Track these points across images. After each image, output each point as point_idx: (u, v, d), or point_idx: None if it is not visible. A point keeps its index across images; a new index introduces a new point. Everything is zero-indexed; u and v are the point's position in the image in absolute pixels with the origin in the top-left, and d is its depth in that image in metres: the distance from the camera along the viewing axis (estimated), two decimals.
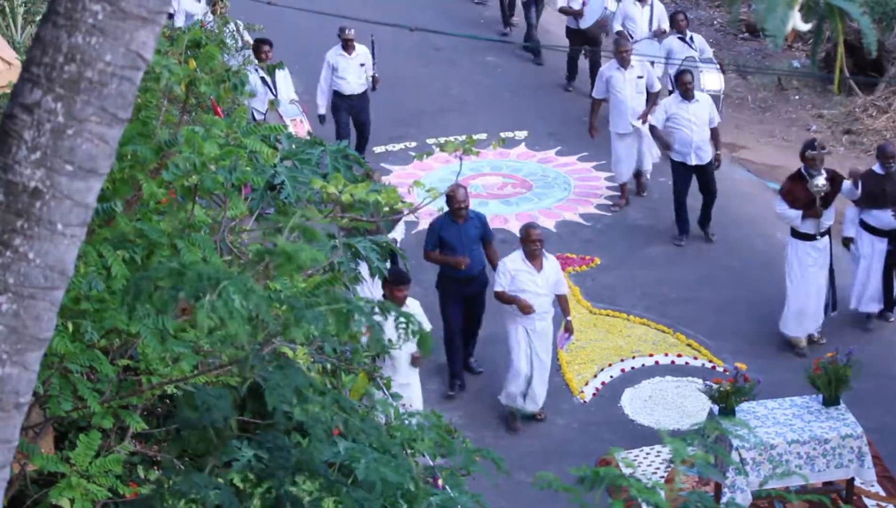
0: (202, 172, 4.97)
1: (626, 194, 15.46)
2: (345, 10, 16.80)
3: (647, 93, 15.15)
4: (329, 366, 5.13)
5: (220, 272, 4.01)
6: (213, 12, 15.88)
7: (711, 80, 15.85)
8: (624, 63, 14.98)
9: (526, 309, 11.08)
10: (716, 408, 10.41)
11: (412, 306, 10.45)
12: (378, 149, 16.76)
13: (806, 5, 15.74)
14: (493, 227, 14.86)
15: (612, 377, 12.25)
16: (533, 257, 11.21)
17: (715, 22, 21.39)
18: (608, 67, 15.23)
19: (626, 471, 6.53)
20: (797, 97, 18.37)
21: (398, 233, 12.45)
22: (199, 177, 4.98)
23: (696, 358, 12.49)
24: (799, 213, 12.10)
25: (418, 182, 5.33)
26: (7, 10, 14.27)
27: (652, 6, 16.99)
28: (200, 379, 4.82)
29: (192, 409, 4.54)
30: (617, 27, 16.93)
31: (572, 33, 18.04)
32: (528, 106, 18.23)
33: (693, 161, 14.12)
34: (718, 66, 16.39)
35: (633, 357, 12.52)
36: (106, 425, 4.95)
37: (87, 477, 4.90)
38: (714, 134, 14.23)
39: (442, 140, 5.38)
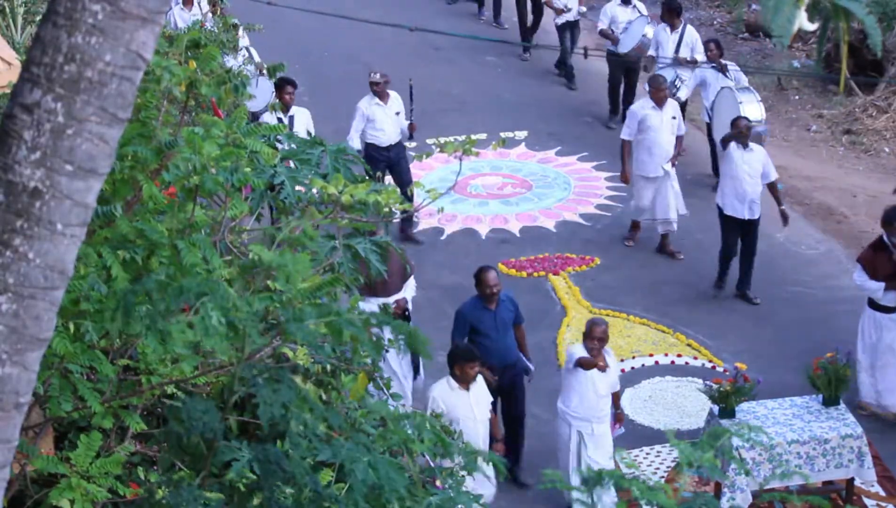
0: (202, 173, 4.97)
1: (639, 229, 14.58)
2: (345, 10, 16.82)
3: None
4: (329, 366, 5.12)
5: (204, 285, 3.94)
6: (213, 13, 15.88)
7: (752, 110, 14.66)
8: (659, 102, 14.07)
9: (592, 365, 10.08)
10: (716, 408, 10.41)
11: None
12: None
13: (811, 5, 15.63)
14: (493, 227, 14.94)
15: None
16: (594, 355, 10.13)
17: (715, 22, 21.39)
18: (641, 105, 14.27)
19: (627, 471, 6.53)
20: (797, 97, 18.37)
21: (409, 292, 11.48)
22: (199, 178, 4.97)
23: (696, 358, 12.49)
24: (881, 285, 11.30)
25: (418, 183, 5.33)
26: (7, 10, 14.26)
27: (682, 32, 16.13)
28: (201, 380, 4.82)
29: (179, 423, 4.53)
30: (650, 53, 16.38)
31: (611, 58, 17.07)
32: (528, 106, 18.23)
33: (746, 215, 13.05)
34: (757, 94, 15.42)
35: (633, 357, 12.52)
36: (106, 425, 4.95)
37: (87, 478, 4.90)
38: (773, 191, 13.09)
39: (442, 140, 5.37)
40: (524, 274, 14.01)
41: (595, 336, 10.11)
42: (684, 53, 15.97)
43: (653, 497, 4.02)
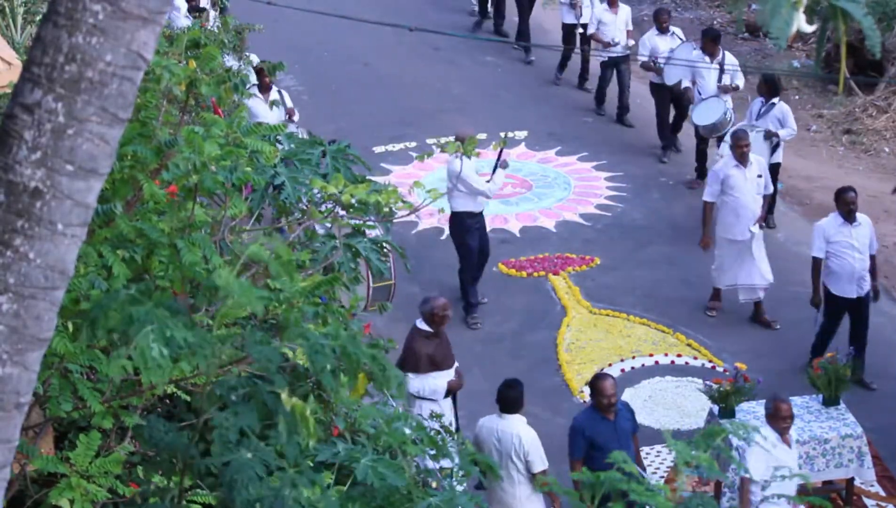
0: (202, 172, 4.97)
1: (720, 299, 13.31)
2: (345, 10, 16.82)
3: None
4: (329, 366, 5.12)
5: (151, 315, 3.89)
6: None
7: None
8: (743, 160, 12.79)
9: None
10: (716, 408, 10.42)
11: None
12: (378, 149, 16.77)
13: (809, 7, 15.59)
14: (493, 227, 14.92)
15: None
16: (784, 436, 9.35)
17: (715, 22, 21.40)
18: (724, 164, 12.98)
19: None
20: (797, 97, 18.37)
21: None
22: (199, 177, 4.98)
23: (696, 358, 12.49)
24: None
25: (419, 183, 5.33)
26: (7, 10, 14.26)
27: (722, 62, 15.22)
28: (200, 380, 4.81)
29: (143, 442, 4.52)
30: (685, 83, 15.44)
31: (656, 89, 16.24)
32: (528, 106, 18.23)
33: (854, 294, 11.88)
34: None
35: (633, 357, 12.52)
36: (106, 425, 4.95)
37: (87, 478, 4.90)
38: (873, 263, 11.94)
39: (442, 140, 5.39)
40: (524, 274, 14.01)
41: (783, 415, 9.25)
42: (725, 82, 15.19)
43: (651, 500, 4.02)
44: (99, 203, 4.77)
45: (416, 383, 10.13)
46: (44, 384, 4.86)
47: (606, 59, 17.02)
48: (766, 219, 13.09)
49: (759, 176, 12.90)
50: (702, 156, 15.52)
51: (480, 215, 13.12)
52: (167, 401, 5.63)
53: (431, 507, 4.58)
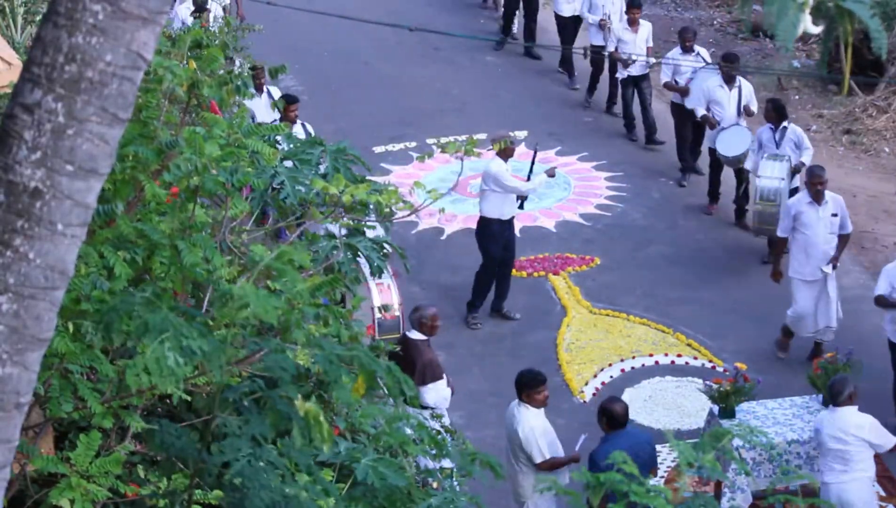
0: (203, 173, 4.96)
1: (790, 338, 12.57)
2: (345, 10, 16.82)
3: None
4: (343, 377, 5.12)
5: (166, 323, 3.89)
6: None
7: (768, 171, 13.33)
8: (818, 198, 12.10)
9: None
10: (716, 408, 10.42)
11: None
12: (378, 149, 16.77)
13: (815, 8, 15.47)
14: None
15: (612, 377, 12.25)
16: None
17: (715, 22, 21.39)
18: (797, 200, 12.33)
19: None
20: (797, 97, 18.37)
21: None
22: (200, 178, 4.97)
23: (696, 358, 12.49)
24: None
25: (419, 183, 5.32)
26: (7, 10, 14.27)
27: (740, 88, 14.68)
28: (201, 380, 4.82)
29: (155, 447, 4.52)
30: (701, 112, 14.79)
31: (677, 110, 15.68)
32: (528, 106, 18.23)
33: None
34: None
35: (633, 357, 12.52)
36: (106, 425, 4.95)
37: (87, 478, 4.90)
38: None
39: (442, 140, 5.38)
40: (524, 274, 14.00)
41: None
42: (748, 108, 14.69)
43: (651, 502, 4.02)
44: (100, 204, 4.78)
45: (431, 395, 10.13)
46: (44, 384, 4.86)
47: (626, 76, 16.63)
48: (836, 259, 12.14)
49: (834, 215, 12.20)
50: (716, 181, 15.05)
51: (509, 223, 12.96)
52: (167, 401, 5.63)
53: (431, 506, 4.58)
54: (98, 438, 4.98)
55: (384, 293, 11.35)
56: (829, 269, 12.11)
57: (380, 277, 11.19)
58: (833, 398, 9.50)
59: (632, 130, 16.98)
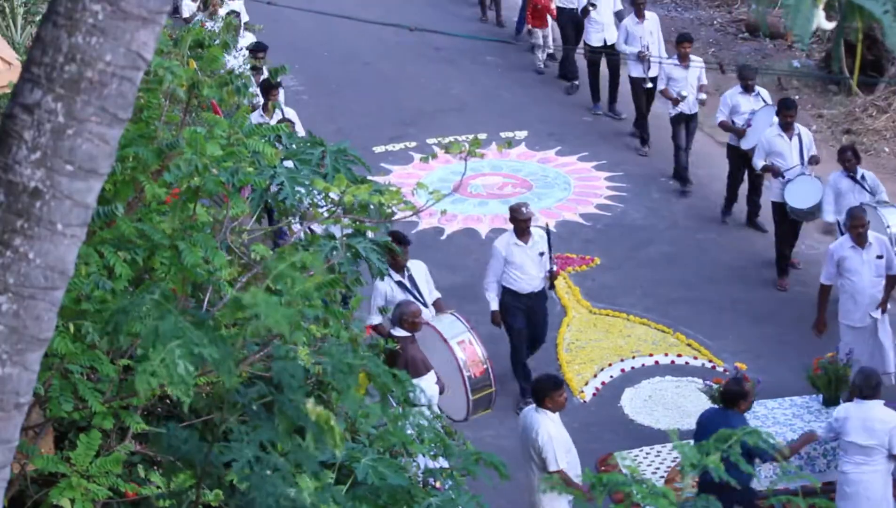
0: (204, 174, 4.96)
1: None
2: (345, 10, 16.82)
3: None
4: (329, 367, 5.12)
5: (177, 330, 3.88)
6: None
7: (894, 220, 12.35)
8: (860, 241, 11.48)
9: None
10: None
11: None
12: (378, 149, 16.77)
13: (828, 4, 15.36)
14: (493, 227, 14.93)
15: (612, 377, 12.25)
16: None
17: (715, 22, 21.39)
18: (839, 245, 11.71)
19: (627, 473, 6.52)
20: (797, 97, 18.36)
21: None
22: (200, 179, 4.97)
23: (696, 358, 12.48)
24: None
25: (422, 183, 5.32)
26: (7, 10, 14.27)
27: (799, 135, 13.58)
28: (201, 380, 4.81)
29: (162, 450, 4.52)
30: (761, 163, 13.70)
31: (733, 152, 14.63)
32: (528, 106, 18.23)
33: None
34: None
35: (633, 357, 12.52)
36: (106, 425, 4.95)
37: (88, 477, 4.90)
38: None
39: (443, 140, 5.38)
40: None
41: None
42: (806, 157, 13.55)
43: (654, 502, 4.01)
44: (100, 204, 4.78)
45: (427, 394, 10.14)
46: (44, 384, 4.86)
47: (678, 113, 15.51)
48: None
49: (880, 257, 11.58)
50: (784, 240, 13.78)
51: (531, 296, 11.73)
52: (167, 401, 5.63)
53: (432, 507, 4.58)
54: (98, 438, 4.98)
55: (467, 350, 10.57)
56: (878, 314, 11.55)
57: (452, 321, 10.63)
58: (861, 391, 9.47)
59: (685, 184, 15.82)
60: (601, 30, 17.35)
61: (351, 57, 19.85)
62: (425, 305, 10.91)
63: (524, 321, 11.76)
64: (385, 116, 17.89)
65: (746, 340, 12.73)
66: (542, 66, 19.35)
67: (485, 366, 10.58)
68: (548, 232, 11.71)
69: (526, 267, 11.60)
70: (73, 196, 3.54)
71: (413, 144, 17.03)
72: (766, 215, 14.29)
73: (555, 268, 11.76)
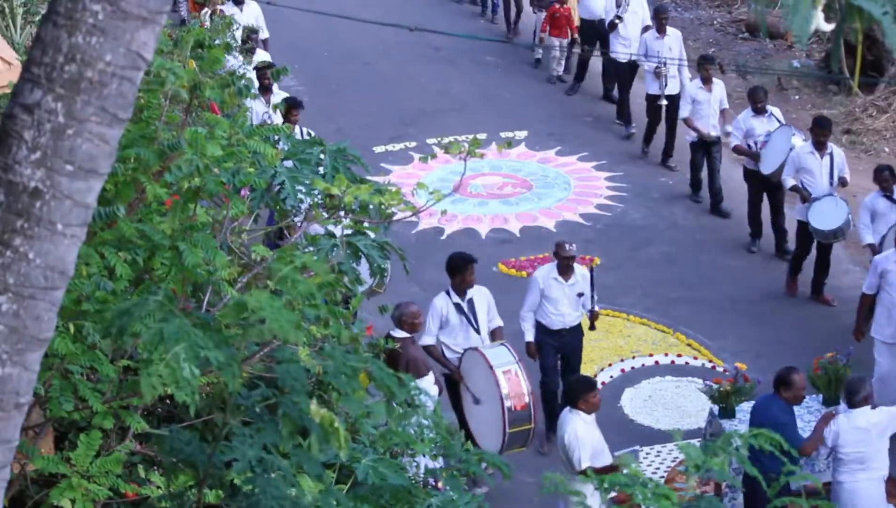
0: (205, 174, 4.96)
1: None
2: (345, 10, 16.82)
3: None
4: (332, 369, 5.12)
5: (181, 333, 3.87)
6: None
7: None
8: None
9: None
10: (716, 408, 10.42)
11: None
12: (378, 149, 16.77)
13: (827, 5, 15.33)
14: (493, 227, 14.93)
15: (612, 377, 12.25)
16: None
17: (715, 22, 21.39)
18: (885, 257, 11.42)
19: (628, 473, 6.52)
20: (797, 97, 18.38)
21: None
22: (201, 179, 4.97)
23: (696, 358, 12.49)
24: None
25: (422, 183, 5.31)
26: (7, 10, 14.26)
27: (831, 155, 13.06)
28: (201, 380, 4.81)
29: (164, 453, 4.52)
30: (790, 182, 13.22)
31: (751, 177, 14.16)
32: (528, 106, 18.23)
33: None
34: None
35: (633, 357, 12.52)
36: (106, 425, 4.95)
37: (88, 478, 4.90)
38: None
39: (443, 140, 5.37)
40: (524, 274, 13.99)
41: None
42: (836, 178, 13.11)
43: (657, 503, 4.01)
44: (101, 205, 4.78)
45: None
46: (44, 384, 4.86)
47: (696, 139, 15.09)
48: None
49: None
50: (801, 258, 13.44)
51: (563, 333, 11.17)
52: (167, 401, 5.63)
53: (433, 506, 4.58)
54: (98, 438, 4.98)
55: (511, 381, 10.15)
56: None
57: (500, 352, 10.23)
58: (848, 399, 9.47)
59: (697, 193, 15.51)
60: (628, 46, 16.62)
61: (351, 57, 19.85)
62: (478, 332, 10.61)
63: (555, 359, 11.23)
64: (385, 116, 17.89)
65: (746, 340, 12.73)
66: (557, 74, 18.95)
67: (527, 401, 10.15)
68: (591, 273, 11.22)
69: (561, 305, 11.07)
70: (73, 196, 3.54)
71: (413, 144, 17.03)
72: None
73: (597, 309, 11.13)
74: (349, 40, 20.12)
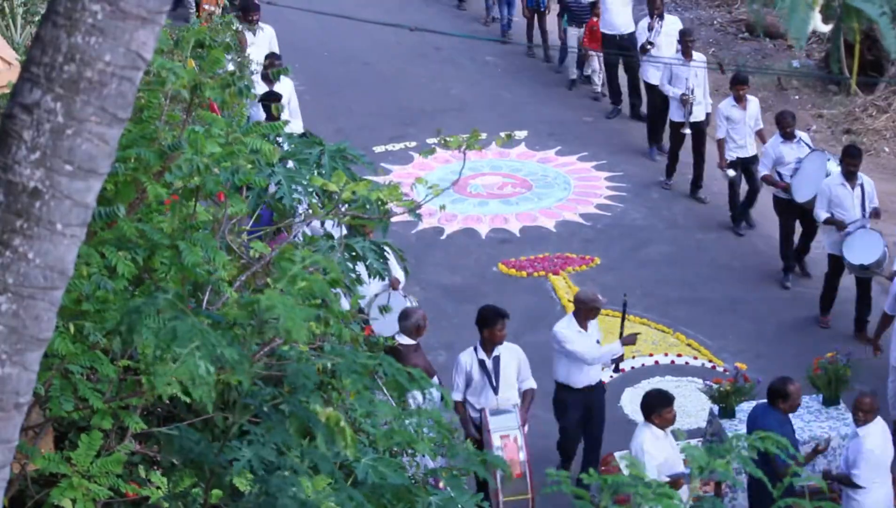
0: (205, 174, 4.96)
1: None
2: (345, 10, 16.83)
3: None
4: (330, 365, 5.12)
5: (195, 332, 3.87)
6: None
7: None
8: None
9: None
10: (716, 408, 10.42)
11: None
12: (378, 149, 16.77)
13: (825, 6, 15.28)
14: (493, 227, 14.93)
15: (612, 377, 12.24)
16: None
17: (715, 22, 21.39)
18: None
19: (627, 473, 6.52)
20: (797, 97, 18.37)
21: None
22: (201, 179, 4.97)
23: (696, 358, 12.49)
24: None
25: (421, 179, 5.30)
26: (7, 10, 14.26)
27: (862, 185, 12.49)
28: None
29: (173, 453, 4.52)
30: (823, 215, 12.56)
31: (782, 206, 13.53)
32: (528, 106, 18.23)
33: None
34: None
35: (633, 357, 12.51)
36: (105, 425, 4.96)
37: (89, 478, 4.90)
38: None
39: (445, 140, 5.36)
40: (524, 274, 14.01)
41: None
42: (868, 209, 12.56)
43: (659, 503, 4.00)
44: (102, 205, 4.78)
45: (418, 398, 10.01)
46: (44, 384, 4.86)
47: (734, 159, 14.33)
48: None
49: None
50: (832, 290, 12.94)
51: (588, 391, 10.53)
52: (167, 401, 5.63)
53: (433, 505, 4.59)
54: (99, 438, 4.98)
55: (508, 448, 9.68)
56: None
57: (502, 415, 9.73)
58: (854, 415, 9.44)
59: (740, 224, 14.74)
60: (660, 67, 15.76)
61: (351, 57, 19.85)
62: (496, 392, 10.05)
63: (578, 421, 10.60)
64: (385, 116, 17.89)
65: (746, 340, 12.73)
66: (599, 90, 18.29)
67: (521, 471, 9.66)
68: (624, 307, 10.78)
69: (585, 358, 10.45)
70: (73, 196, 3.54)
71: (413, 144, 17.03)
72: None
73: (622, 364, 10.51)
74: (349, 40, 20.12)
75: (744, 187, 14.51)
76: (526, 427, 9.89)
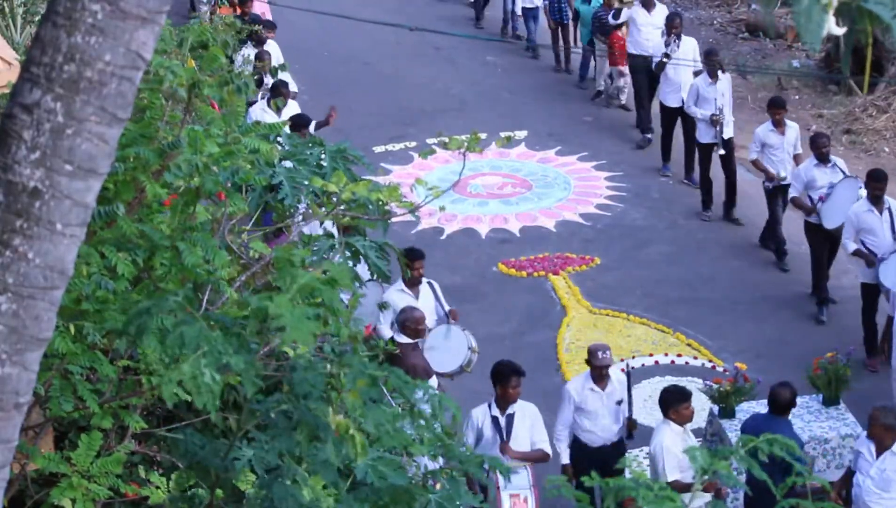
0: (204, 173, 4.96)
1: None
2: (345, 10, 16.83)
3: None
4: (331, 367, 5.12)
5: (202, 338, 3.86)
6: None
7: None
8: None
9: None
10: (716, 408, 10.41)
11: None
12: (378, 149, 16.78)
13: (838, 9, 15.24)
14: (493, 227, 14.93)
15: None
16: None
17: (715, 22, 21.39)
18: None
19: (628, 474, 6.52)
20: (797, 97, 18.38)
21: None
22: (200, 179, 4.97)
23: (696, 358, 12.48)
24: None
25: (420, 180, 5.30)
26: (7, 10, 14.27)
27: (890, 210, 11.97)
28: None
29: (178, 456, 4.52)
30: (852, 246, 12.05)
31: (812, 231, 12.94)
32: (528, 106, 18.23)
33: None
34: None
35: (633, 357, 12.51)
36: (105, 425, 4.96)
37: (89, 477, 4.90)
38: None
39: (445, 139, 5.35)
40: (524, 274, 14.01)
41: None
42: None
43: (660, 505, 4.00)
44: (101, 205, 4.78)
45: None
46: (44, 384, 4.86)
47: (771, 187, 13.82)
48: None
49: None
50: (872, 324, 12.23)
51: (603, 450, 9.92)
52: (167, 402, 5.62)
53: (433, 504, 4.58)
54: (99, 438, 4.99)
55: (518, 507, 9.36)
56: None
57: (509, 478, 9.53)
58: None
59: (782, 260, 14.05)
60: (678, 90, 15.47)
61: (351, 57, 19.86)
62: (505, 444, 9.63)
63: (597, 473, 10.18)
64: (385, 116, 17.90)
65: (746, 340, 12.73)
66: (624, 102, 18.05)
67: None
68: (628, 376, 10.22)
69: (600, 417, 9.94)
70: (73, 196, 3.54)
71: (413, 144, 17.03)
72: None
73: (633, 417, 10.08)
74: (349, 40, 20.13)
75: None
76: (537, 491, 9.47)
